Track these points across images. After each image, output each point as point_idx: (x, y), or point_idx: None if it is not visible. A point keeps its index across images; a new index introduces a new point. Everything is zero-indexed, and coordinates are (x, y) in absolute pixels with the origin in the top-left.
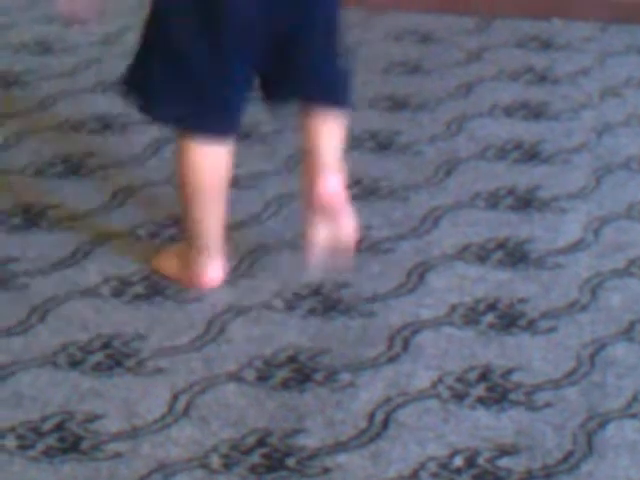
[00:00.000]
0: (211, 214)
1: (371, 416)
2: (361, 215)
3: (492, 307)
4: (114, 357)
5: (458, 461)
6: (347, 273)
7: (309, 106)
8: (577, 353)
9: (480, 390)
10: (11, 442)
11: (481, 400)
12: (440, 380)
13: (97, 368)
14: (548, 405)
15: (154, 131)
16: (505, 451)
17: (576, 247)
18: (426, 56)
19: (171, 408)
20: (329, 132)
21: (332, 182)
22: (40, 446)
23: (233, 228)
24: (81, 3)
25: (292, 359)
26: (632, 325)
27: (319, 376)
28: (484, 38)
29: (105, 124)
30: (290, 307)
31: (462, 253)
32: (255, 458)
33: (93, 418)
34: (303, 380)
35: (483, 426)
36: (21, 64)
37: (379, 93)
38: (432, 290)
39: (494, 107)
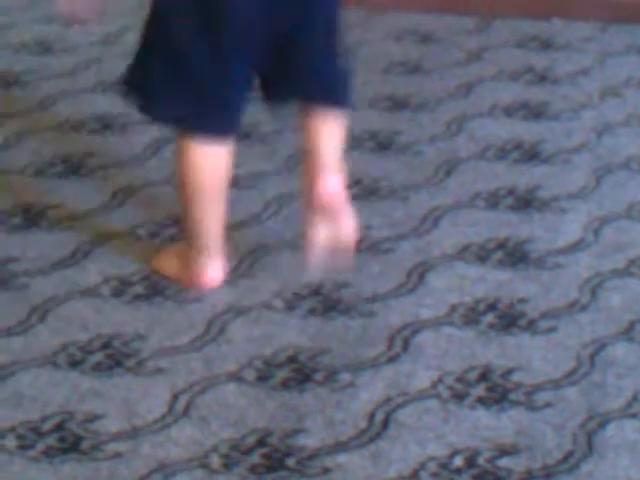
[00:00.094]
0: (211, 214)
1: (371, 416)
2: (361, 215)
3: (492, 307)
4: (114, 357)
5: (458, 461)
6: (347, 273)
7: (309, 106)
8: (577, 353)
9: (480, 390)
10: (11, 442)
11: (481, 400)
12: (440, 380)
13: (97, 368)
14: (548, 405)
15: (154, 131)
16: (505, 451)
17: (576, 247)
18: (426, 56)
19: (171, 408)
20: (329, 132)
21: (332, 182)
22: (40, 446)
23: (233, 228)
24: (81, 3)
25: (292, 359)
26: (632, 325)
27: (319, 376)
28: (484, 38)
29: (105, 124)
30: (290, 307)
31: (462, 253)
32: (255, 458)
33: (93, 418)
34: (303, 380)
35: (483, 426)
36: (21, 64)
37: (379, 93)
38: (432, 290)
39: (494, 107)
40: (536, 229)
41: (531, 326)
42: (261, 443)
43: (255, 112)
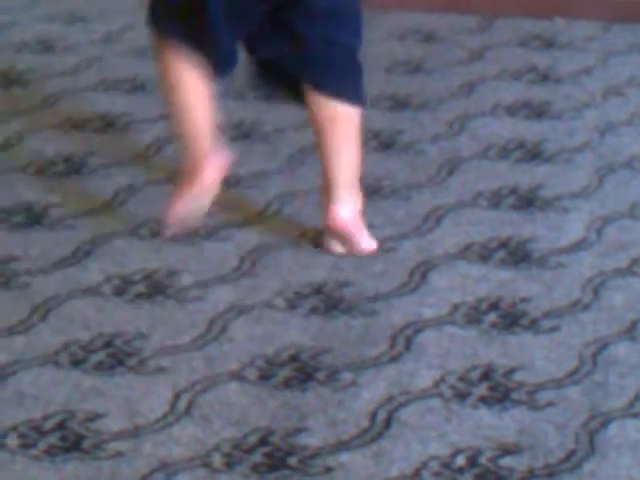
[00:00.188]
0: (197, 117)
1: (373, 415)
2: (364, 214)
3: (494, 306)
4: (116, 356)
5: (460, 460)
6: (349, 272)
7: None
8: (579, 352)
9: (482, 389)
10: (13, 441)
11: (483, 399)
12: (442, 379)
13: (99, 367)
14: (550, 404)
15: (156, 130)
16: (507, 450)
17: (579, 246)
18: (429, 55)
19: (173, 407)
20: (341, 142)
21: (343, 211)
22: (42, 445)
23: (234, 227)
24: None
25: (294, 358)
26: (634, 324)
27: (321, 375)
28: (486, 37)
29: (107, 123)
30: (292, 306)
31: (464, 252)
32: (257, 457)
33: (95, 417)
34: (305, 379)
35: (485, 425)
36: (23, 63)
37: (382, 92)
38: (434, 289)
39: (496, 106)
40: (538, 228)
41: (533, 325)
42: (263, 442)
43: (255, 112)
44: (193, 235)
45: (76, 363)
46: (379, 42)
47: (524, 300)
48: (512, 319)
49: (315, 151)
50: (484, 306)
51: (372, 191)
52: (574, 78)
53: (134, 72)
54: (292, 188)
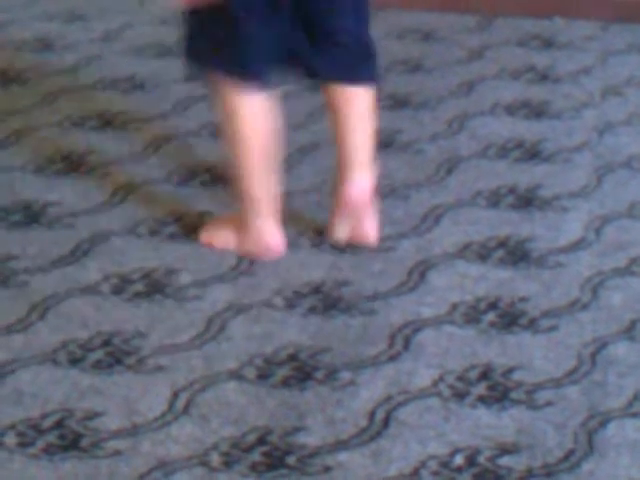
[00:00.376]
0: (261, 171)
1: (372, 414)
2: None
3: (493, 306)
4: (114, 355)
5: (459, 460)
6: (348, 271)
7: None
8: (578, 352)
9: (481, 389)
10: (11, 439)
11: (482, 399)
12: (441, 379)
13: (97, 366)
14: (549, 404)
15: (155, 128)
16: (506, 450)
17: (577, 246)
18: (428, 54)
19: (171, 406)
20: (358, 122)
21: (360, 182)
22: (40, 444)
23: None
24: None
25: (292, 357)
26: (633, 324)
27: (319, 374)
28: (486, 36)
29: (105, 121)
30: (290, 305)
31: (463, 251)
32: (255, 456)
33: (93, 416)
34: (303, 378)
35: (484, 425)
36: (22, 61)
37: (380, 91)
38: (433, 288)
39: (495, 106)
40: (537, 228)
41: (532, 325)
42: (261, 441)
43: None
44: (191, 234)
45: (74, 362)
46: (378, 41)
47: (523, 299)
48: (511, 318)
49: (314, 151)
50: (483, 305)
51: None
52: (573, 78)
53: (133, 71)
54: (291, 188)
